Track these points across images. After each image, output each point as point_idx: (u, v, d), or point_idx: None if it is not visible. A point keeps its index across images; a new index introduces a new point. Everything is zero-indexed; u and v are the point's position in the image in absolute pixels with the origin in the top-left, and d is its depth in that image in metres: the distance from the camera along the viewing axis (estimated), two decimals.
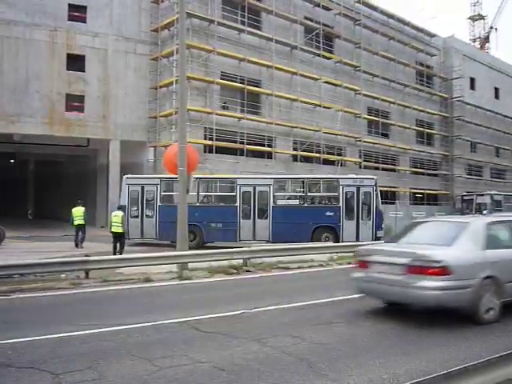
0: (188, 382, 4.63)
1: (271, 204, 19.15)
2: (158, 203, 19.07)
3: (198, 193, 18.16)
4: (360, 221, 19.13)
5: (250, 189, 19.38)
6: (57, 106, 25.51)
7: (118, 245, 15.36)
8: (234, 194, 19.37)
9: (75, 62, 25.97)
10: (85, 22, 26.50)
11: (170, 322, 6.87)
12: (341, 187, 19.40)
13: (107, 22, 26.98)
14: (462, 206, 35.60)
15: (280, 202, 19.54)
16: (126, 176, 20.27)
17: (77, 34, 26.15)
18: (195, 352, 5.43)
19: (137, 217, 19.35)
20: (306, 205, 19.46)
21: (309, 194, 19.72)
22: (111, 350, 5.61)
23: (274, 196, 19.32)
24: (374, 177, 20.51)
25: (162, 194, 19.13)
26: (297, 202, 19.77)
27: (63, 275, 11.03)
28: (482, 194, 34.58)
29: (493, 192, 34.94)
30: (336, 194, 19.50)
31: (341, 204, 19.23)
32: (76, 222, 17.83)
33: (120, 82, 27.05)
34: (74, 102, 26.05)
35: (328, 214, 19.30)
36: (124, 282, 10.65)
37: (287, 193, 20.67)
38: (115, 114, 26.87)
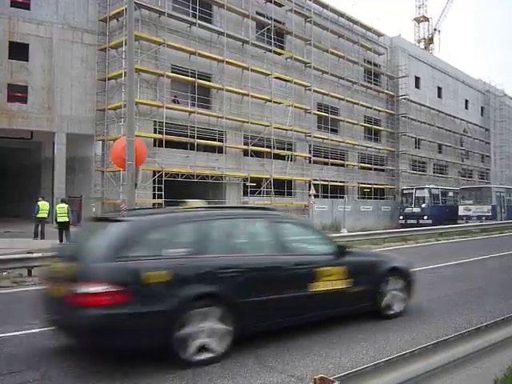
0: None
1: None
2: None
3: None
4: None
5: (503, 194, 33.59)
6: None
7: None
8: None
9: (18, 51, 24.88)
10: (29, 9, 25.42)
11: None
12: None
13: (53, 9, 26.01)
14: (401, 199, 36.98)
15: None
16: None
17: (20, 21, 25.07)
18: None
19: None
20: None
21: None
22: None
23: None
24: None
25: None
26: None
27: (4, 273, 10.66)
28: (422, 188, 36.07)
29: (431, 186, 36.60)
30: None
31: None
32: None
33: (66, 72, 26.18)
34: (17, 93, 25.01)
35: None
36: None
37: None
38: (61, 106, 26.02)
